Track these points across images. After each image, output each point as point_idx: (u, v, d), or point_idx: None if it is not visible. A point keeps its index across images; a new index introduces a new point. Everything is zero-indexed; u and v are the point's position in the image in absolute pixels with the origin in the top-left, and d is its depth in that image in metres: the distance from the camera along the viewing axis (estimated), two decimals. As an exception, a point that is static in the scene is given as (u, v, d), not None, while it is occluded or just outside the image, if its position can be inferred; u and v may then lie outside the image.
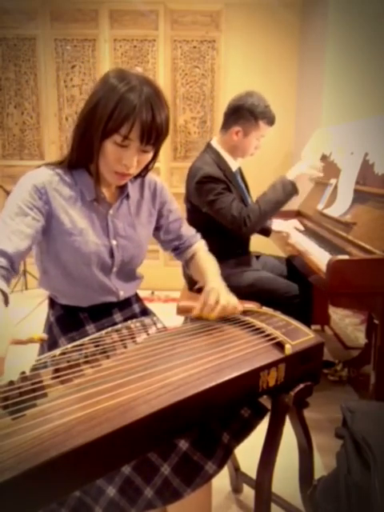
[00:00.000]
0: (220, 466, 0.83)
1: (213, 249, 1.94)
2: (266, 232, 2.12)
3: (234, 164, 1.99)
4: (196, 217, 1.95)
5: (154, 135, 0.95)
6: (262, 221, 1.88)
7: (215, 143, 1.99)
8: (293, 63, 3.38)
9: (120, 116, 0.91)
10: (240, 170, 2.08)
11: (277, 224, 2.21)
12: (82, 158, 1.03)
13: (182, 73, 3.45)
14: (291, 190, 1.84)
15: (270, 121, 1.92)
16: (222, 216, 1.86)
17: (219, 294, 1.03)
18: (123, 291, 1.18)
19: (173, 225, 1.26)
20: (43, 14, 3.35)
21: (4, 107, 3.52)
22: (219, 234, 1.89)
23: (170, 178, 3.55)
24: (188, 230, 1.31)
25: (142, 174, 1.16)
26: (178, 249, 1.31)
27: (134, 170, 1.02)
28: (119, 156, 0.97)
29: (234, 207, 1.83)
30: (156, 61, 3.41)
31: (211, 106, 3.48)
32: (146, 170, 1.14)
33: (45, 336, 0.80)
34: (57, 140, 3.56)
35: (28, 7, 3.34)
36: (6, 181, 3.53)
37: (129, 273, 1.18)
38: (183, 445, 0.83)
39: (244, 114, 1.87)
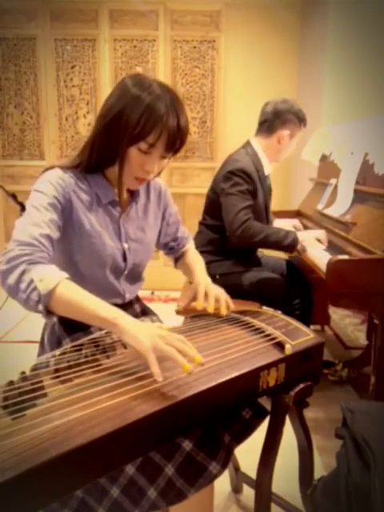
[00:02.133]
0: (223, 467, 0.83)
1: (223, 245, 1.96)
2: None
3: (267, 168, 2.02)
4: (217, 210, 1.96)
5: (178, 142, 0.98)
6: (253, 242, 1.88)
7: (255, 144, 2.02)
8: (293, 63, 3.38)
9: (147, 125, 0.93)
10: (269, 176, 2.09)
11: (276, 223, 2.22)
12: (100, 163, 1.04)
13: (182, 73, 3.45)
14: (293, 245, 1.86)
15: (306, 124, 2.02)
16: (227, 211, 1.89)
17: (207, 286, 1.11)
18: (129, 294, 1.18)
19: (171, 228, 1.30)
20: (43, 13, 3.35)
21: (4, 107, 3.52)
22: None
23: (170, 178, 3.55)
24: (183, 232, 1.35)
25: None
26: (173, 249, 1.35)
27: (153, 176, 1.05)
28: (142, 162, 0.99)
29: (244, 211, 1.84)
30: (156, 61, 3.40)
31: (211, 106, 3.48)
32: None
33: (203, 360, 0.79)
34: (57, 140, 3.56)
35: (28, 7, 3.34)
36: (5, 181, 3.53)
37: (136, 275, 1.19)
38: (187, 445, 0.83)
39: (292, 118, 1.95)
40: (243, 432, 0.91)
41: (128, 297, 1.18)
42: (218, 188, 1.96)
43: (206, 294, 1.10)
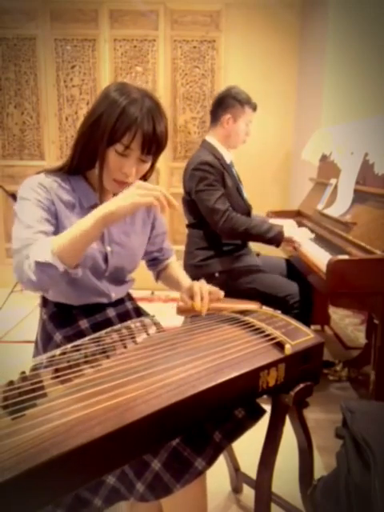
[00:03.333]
0: (209, 463, 0.83)
1: (212, 242, 1.97)
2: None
3: (227, 156, 2.06)
4: (193, 207, 2.01)
5: (154, 146, 1.00)
6: (237, 233, 1.92)
7: (209, 138, 2.08)
8: (293, 63, 3.38)
9: (122, 127, 0.96)
10: (233, 164, 2.13)
11: (274, 222, 2.22)
12: (82, 165, 1.08)
13: (182, 73, 3.45)
14: (276, 239, 1.90)
15: (254, 107, 2.06)
16: (203, 207, 1.93)
17: (201, 285, 1.12)
18: (115, 293, 1.20)
19: (159, 238, 1.32)
20: (43, 13, 3.35)
21: (4, 107, 3.52)
22: None
23: (170, 178, 3.55)
24: (168, 245, 1.38)
25: None
26: (156, 259, 1.37)
27: (132, 179, 1.05)
28: (120, 164, 1.01)
29: (220, 201, 1.89)
30: (156, 61, 3.40)
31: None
32: (144, 179, 1.16)
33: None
34: (57, 140, 3.56)
35: (28, 7, 3.34)
36: (5, 181, 3.53)
37: (120, 277, 1.21)
38: (173, 440, 0.84)
39: (230, 102, 2.01)
40: (235, 431, 0.92)
41: (114, 296, 1.20)
42: (188, 189, 2.00)
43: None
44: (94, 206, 1.10)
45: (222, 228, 1.89)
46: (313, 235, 1.94)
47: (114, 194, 1.14)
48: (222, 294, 1.12)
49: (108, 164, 1.01)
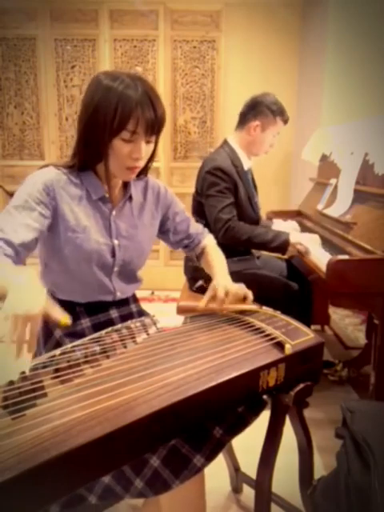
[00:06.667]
0: (208, 460, 0.83)
1: (217, 243, 1.96)
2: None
3: (246, 162, 2.02)
4: (202, 210, 1.98)
5: (157, 125, 1.01)
6: (239, 242, 1.89)
7: (231, 140, 2.03)
8: (293, 63, 3.38)
9: (124, 113, 0.96)
10: (251, 170, 2.10)
11: (276, 224, 2.22)
12: (89, 161, 1.08)
13: (182, 73, 3.44)
14: (282, 247, 1.86)
15: (286, 119, 2.01)
16: (208, 212, 1.91)
17: (226, 286, 1.10)
18: (120, 292, 1.19)
19: (180, 226, 1.30)
20: (43, 13, 3.35)
21: (4, 107, 3.52)
22: None
23: (170, 177, 3.55)
24: (196, 228, 1.35)
25: (144, 173, 1.19)
26: (188, 247, 1.35)
27: (143, 162, 1.07)
28: (129, 151, 1.01)
29: (225, 210, 1.86)
30: (156, 61, 3.40)
31: (211, 106, 3.48)
32: (147, 168, 1.17)
33: (69, 321, 0.83)
34: (57, 140, 3.55)
35: (28, 7, 3.34)
36: (6, 181, 3.53)
37: (130, 274, 1.20)
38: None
39: (263, 110, 1.95)
40: (236, 426, 0.91)
41: (119, 295, 1.19)
42: (200, 189, 1.98)
43: (227, 294, 1.10)
44: (102, 199, 1.11)
45: (224, 237, 1.86)
46: (320, 242, 1.89)
47: (120, 188, 1.15)
48: (250, 295, 1.14)
49: (117, 153, 1.01)
